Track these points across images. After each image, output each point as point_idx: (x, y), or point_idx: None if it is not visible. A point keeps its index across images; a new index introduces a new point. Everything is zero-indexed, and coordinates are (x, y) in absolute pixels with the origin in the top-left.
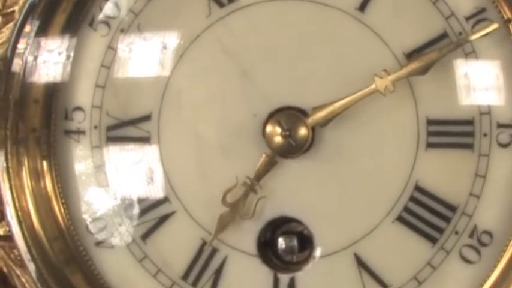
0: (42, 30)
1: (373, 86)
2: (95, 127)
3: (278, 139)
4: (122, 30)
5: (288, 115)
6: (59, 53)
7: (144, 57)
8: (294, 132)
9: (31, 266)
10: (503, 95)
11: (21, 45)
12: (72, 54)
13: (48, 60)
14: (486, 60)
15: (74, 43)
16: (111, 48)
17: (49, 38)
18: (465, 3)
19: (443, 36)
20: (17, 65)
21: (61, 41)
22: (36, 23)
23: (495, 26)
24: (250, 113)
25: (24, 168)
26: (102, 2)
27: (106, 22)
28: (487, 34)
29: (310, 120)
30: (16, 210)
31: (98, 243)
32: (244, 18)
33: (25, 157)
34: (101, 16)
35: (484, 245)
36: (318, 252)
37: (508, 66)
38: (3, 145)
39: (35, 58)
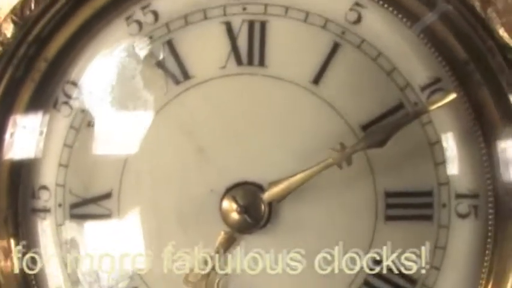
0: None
1: (329, 160)
2: (59, 205)
3: (234, 215)
4: (83, 111)
5: (244, 191)
6: (33, 130)
7: (104, 135)
8: (250, 209)
9: None
10: (461, 165)
11: None
12: (45, 130)
13: (21, 137)
14: (443, 130)
15: (47, 119)
16: (73, 128)
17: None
18: (420, 74)
19: (399, 107)
20: None
21: (34, 117)
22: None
23: (453, 95)
24: (207, 188)
25: None
26: (65, 85)
27: (68, 103)
28: (444, 104)
29: (266, 195)
30: None
31: None
32: (199, 94)
33: None
34: (63, 98)
35: None
36: None
37: (465, 136)
38: None
39: (11, 135)
